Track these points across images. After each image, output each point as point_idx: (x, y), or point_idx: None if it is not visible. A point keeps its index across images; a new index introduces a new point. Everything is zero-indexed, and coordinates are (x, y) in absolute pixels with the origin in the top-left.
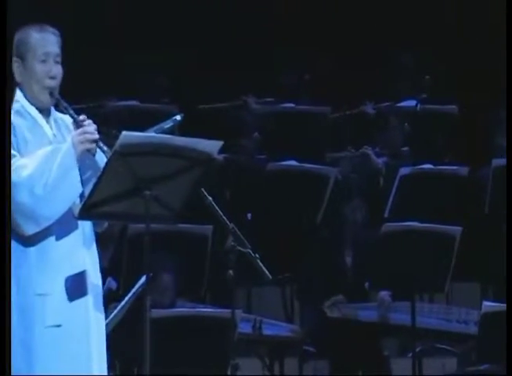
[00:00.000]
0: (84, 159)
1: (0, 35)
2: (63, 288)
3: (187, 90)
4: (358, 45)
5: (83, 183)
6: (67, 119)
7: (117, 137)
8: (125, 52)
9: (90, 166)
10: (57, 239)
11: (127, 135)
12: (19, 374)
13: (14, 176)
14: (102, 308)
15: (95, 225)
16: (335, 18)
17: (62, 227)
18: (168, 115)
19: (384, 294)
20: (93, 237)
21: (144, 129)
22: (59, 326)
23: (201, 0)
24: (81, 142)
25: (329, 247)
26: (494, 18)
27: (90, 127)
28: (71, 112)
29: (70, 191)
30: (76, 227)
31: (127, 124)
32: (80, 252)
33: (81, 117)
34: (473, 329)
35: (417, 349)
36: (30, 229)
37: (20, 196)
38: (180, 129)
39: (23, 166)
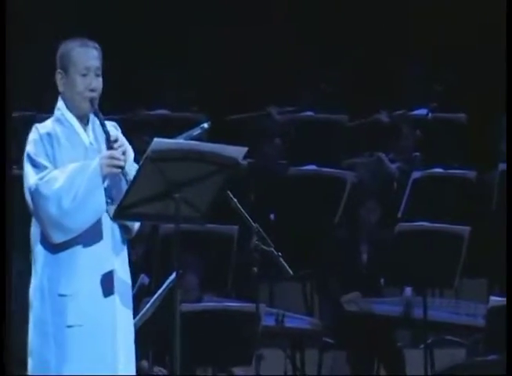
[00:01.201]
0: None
1: (0, 36)
2: (88, 290)
3: (214, 100)
4: (373, 58)
5: (111, 192)
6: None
7: (148, 143)
8: (158, 65)
9: (116, 180)
10: (86, 245)
11: (158, 142)
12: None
13: (45, 188)
14: (130, 307)
15: (124, 233)
16: (351, 32)
17: (91, 234)
18: (196, 123)
19: (408, 291)
20: (123, 243)
21: (174, 136)
22: (80, 326)
23: (227, 17)
24: (107, 166)
25: (346, 246)
26: (502, 32)
27: (118, 152)
28: (106, 129)
29: (95, 208)
30: (106, 234)
31: (158, 132)
32: (109, 257)
33: (113, 138)
34: (480, 322)
35: (429, 341)
36: (57, 238)
37: (49, 207)
38: (207, 136)
39: (54, 179)
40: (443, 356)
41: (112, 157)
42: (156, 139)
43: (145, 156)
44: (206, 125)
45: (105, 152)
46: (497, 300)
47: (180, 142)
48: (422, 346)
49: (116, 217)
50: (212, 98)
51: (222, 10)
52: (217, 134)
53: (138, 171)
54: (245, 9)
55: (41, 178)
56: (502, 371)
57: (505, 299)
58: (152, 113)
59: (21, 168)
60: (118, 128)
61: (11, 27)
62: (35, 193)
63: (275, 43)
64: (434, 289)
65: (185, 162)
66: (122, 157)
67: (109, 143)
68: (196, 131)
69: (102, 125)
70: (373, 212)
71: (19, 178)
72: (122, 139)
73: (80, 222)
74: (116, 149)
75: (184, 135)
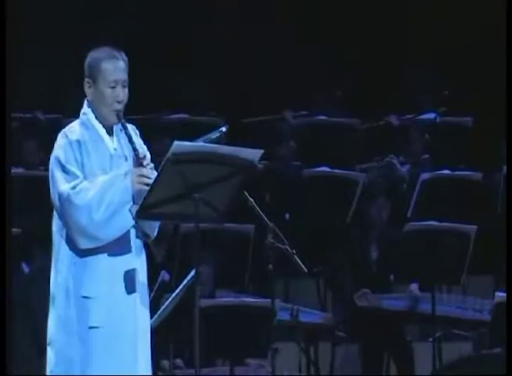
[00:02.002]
0: None
1: (0, 36)
2: (111, 293)
3: (232, 105)
4: (384, 66)
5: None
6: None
7: (169, 146)
8: (179, 72)
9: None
10: (109, 250)
11: (178, 145)
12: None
13: (76, 198)
14: (148, 307)
15: (142, 237)
16: (365, 42)
17: (117, 244)
18: (215, 127)
19: (414, 286)
20: (142, 248)
21: (193, 139)
22: (103, 327)
23: (245, 26)
24: (138, 183)
25: (357, 244)
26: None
27: (148, 170)
28: (134, 145)
29: (124, 222)
30: (128, 239)
31: (178, 135)
32: (131, 261)
33: (142, 154)
34: (486, 317)
35: (437, 335)
36: (82, 245)
37: (79, 217)
38: (225, 139)
39: (85, 190)
40: (450, 350)
41: (142, 175)
42: (176, 142)
43: (166, 158)
44: (224, 129)
45: (135, 169)
46: (502, 296)
47: (199, 144)
48: (430, 340)
49: (138, 217)
50: (230, 102)
51: (242, 19)
52: (234, 137)
53: (160, 173)
54: (263, 19)
55: (73, 188)
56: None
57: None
58: (172, 117)
59: (47, 169)
60: (137, 131)
61: (11, 27)
62: (66, 201)
63: (291, 51)
64: (442, 285)
65: (204, 164)
66: (151, 176)
67: (139, 160)
68: (215, 135)
69: (131, 142)
70: (383, 211)
71: (46, 179)
72: (148, 155)
73: (108, 234)
74: (145, 166)
75: (203, 138)
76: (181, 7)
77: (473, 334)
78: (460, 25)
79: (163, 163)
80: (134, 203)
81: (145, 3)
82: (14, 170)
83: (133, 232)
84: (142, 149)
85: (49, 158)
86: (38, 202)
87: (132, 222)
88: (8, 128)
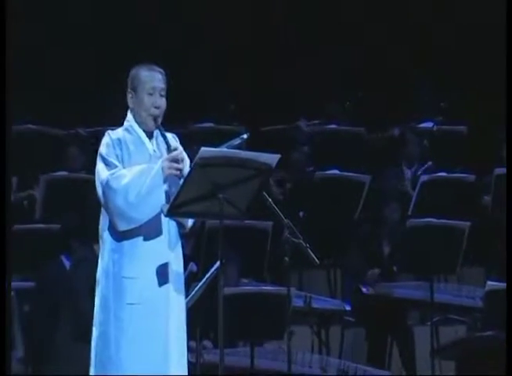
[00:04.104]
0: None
1: (0, 36)
2: (147, 274)
3: (252, 115)
4: (387, 80)
5: (171, 191)
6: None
7: (196, 152)
8: (205, 85)
9: (175, 180)
10: (146, 237)
11: (204, 150)
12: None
13: (114, 183)
14: (182, 293)
15: (179, 228)
16: (372, 61)
17: (151, 229)
18: (237, 134)
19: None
20: (178, 238)
21: (218, 145)
22: (139, 304)
23: (263, 41)
24: (168, 168)
25: (371, 239)
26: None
27: (177, 158)
28: (167, 140)
29: (156, 203)
30: (163, 229)
31: (205, 142)
32: (165, 248)
33: (173, 147)
34: (479, 303)
35: (434, 319)
36: (121, 227)
37: (117, 200)
38: (246, 145)
39: (122, 176)
40: (447, 332)
41: (172, 161)
42: (203, 148)
43: (193, 162)
44: (245, 136)
45: (167, 156)
46: (493, 284)
47: (223, 150)
48: (429, 324)
49: (168, 214)
50: (250, 113)
51: (259, 36)
52: (254, 143)
53: (188, 175)
54: (280, 37)
55: (111, 174)
56: (498, 345)
57: (500, 284)
58: (200, 125)
59: (90, 172)
60: (177, 138)
61: (11, 27)
62: (106, 186)
63: (305, 67)
64: (440, 275)
65: (228, 167)
66: (181, 164)
67: (170, 152)
68: (237, 141)
69: (164, 137)
70: (395, 212)
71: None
72: (181, 148)
73: (142, 214)
74: (176, 156)
75: (226, 144)
76: (202, 20)
77: (467, 319)
78: (461, 41)
79: (191, 166)
80: (167, 194)
81: (168, 20)
82: (58, 173)
83: (168, 224)
84: (175, 144)
85: (89, 163)
86: (77, 202)
87: (164, 203)
88: (8, 132)
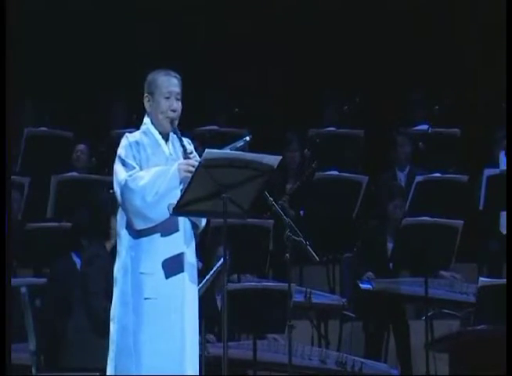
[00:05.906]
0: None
1: (0, 36)
2: (163, 270)
3: (255, 118)
4: (384, 85)
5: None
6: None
7: (201, 153)
8: (211, 90)
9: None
10: (162, 235)
11: (209, 152)
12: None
13: (132, 184)
14: (196, 287)
15: (193, 228)
16: (372, 67)
17: (167, 227)
18: (240, 137)
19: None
20: (192, 236)
21: (222, 147)
22: (155, 299)
23: (266, 46)
24: (184, 171)
25: (374, 235)
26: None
27: (193, 161)
28: (183, 144)
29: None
30: (179, 228)
31: (209, 144)
32: (180, 246)
33: (189, 150)
34: (472, 298)
35: (429, 313)
36: (138, 226)
37: (135, 200)
38: (249, 147)
39: (140, 177)
40: (441, 326)
41: (188, 164)
42: (207, 150)
43: (198, 163)
44: (248, 138)
45: (183, 160)
46: (485, 280)
47: (227, 152)
48: (424, 318)
49: (174, 213)
50: (254, 115)
51: (263, 37)
52: (256, 145)
53: (193, 176)
54: (284, 39)
55: (130, 176)
56: (490, 338)
57: (492, 280)
58: (205, 128)
59: (111, 174)
60: (191, 143)
61: (11, 27)
62: (124, 186)
63: (306, 71)
64: (434, 271)
65: (232, 168)
66: (197, 164)
67: (186, 155)
68: (240, 143)
69: (180, 140)
70: (398, 209)
71: (97, 181)
72: (195, 153)
73: (158, 214)
74: (191, 158)
75: (230, 146)
76: (204, 22)
77: (460, 314)
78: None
79: (196, 167)
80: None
81: (171, 22)
82: (69, 174)
83: (183, 223)
84: (190, 148)
85: (98, 164)
86: (86, 201)
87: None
88: (8, 128)
